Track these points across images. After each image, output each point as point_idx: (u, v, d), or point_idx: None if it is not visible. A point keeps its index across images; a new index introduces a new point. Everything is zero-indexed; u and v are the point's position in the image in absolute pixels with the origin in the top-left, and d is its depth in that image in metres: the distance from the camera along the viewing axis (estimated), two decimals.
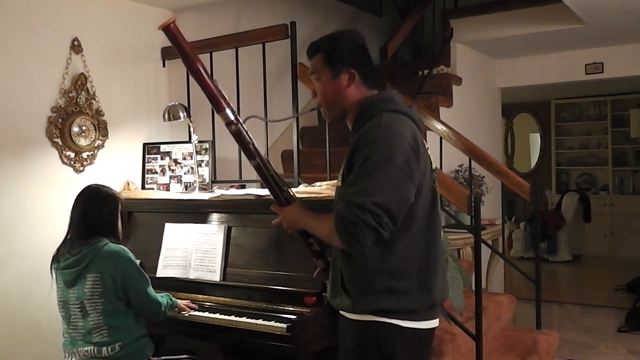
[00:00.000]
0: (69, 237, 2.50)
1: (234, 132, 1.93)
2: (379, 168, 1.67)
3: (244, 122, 1.97)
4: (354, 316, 1.81)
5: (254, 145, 1.95)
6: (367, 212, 1.63)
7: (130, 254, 2.46)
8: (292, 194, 2.02)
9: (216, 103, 1.92)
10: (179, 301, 2.67)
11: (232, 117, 1.92)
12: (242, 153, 2.02)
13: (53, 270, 2.51)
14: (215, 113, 1.98)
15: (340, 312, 1.89)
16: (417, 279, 1.77)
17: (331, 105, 1.92)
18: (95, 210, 2.48)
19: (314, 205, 2.48)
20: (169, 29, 1.88)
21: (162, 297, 2.56)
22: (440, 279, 1.85)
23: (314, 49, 1.94)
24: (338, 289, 1.85)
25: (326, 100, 1.92)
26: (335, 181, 1.92)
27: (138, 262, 2.51)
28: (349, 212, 1.65)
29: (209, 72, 1.97)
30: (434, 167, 1.90)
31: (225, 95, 1.94)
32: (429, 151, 1.88)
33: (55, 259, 2.50)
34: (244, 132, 1.94)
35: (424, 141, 1.85)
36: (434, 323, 1.86)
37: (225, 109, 1.91)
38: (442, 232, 1.93)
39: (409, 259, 1.77)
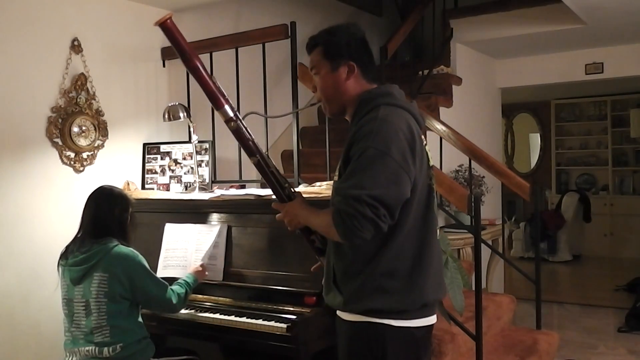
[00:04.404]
0: (79, 235, 2.51)
1: (234, 128, 1.92)
2: (374, 161, 1.64)
3: (243, 118, 1.96)
4: (347, 316, 1.81)
5: (254, 142, 1.94)
6: (364, 204, 1.60)
7: (141, 257, 2.47)
8: (293, 190, 2.00)
9: (215, 100, 1.90)
10: (191, 270, 2.73)
11: (231, 114, 1.91)
12: (242, 151, 2.00)
13: (60, 267, 2.51)
14: (215, 112, 2.00)
15: (337, 312, 1.88)
16: (408, 279, 1.74)
17: (330, 99, 1.90)
18: (107, 211, 2.50)
19: (314, 205, 2.48)
20: (166, 25, 1.86)
21: (175, 292, 2.54)
22: (433, 279, 1.81)
23: (312, 43, 1.92)
24: (331, 285, 1.84)
25: (325, 94, 1.90)
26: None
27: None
28: (345, 204, 1.63)
29: (208, 70, 1.95)
30: (431, 163, 1.87)
31: (224, 91, 1.92)
32: (426, 147, 1.85)
33: (64, 256, 2.50)
34: (244, 129, 1.93)
35: (423, 137, 1.82)
36: (429, 321, 1.83)
37: (224, 106, 1.90)
38: (438, 231, 1.90)
39: (401, 258, 1.74)
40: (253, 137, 1.94)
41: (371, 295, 1.74)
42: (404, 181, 1.67)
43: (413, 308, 1.76)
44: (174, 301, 2.51)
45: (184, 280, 2.64)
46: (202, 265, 2.79)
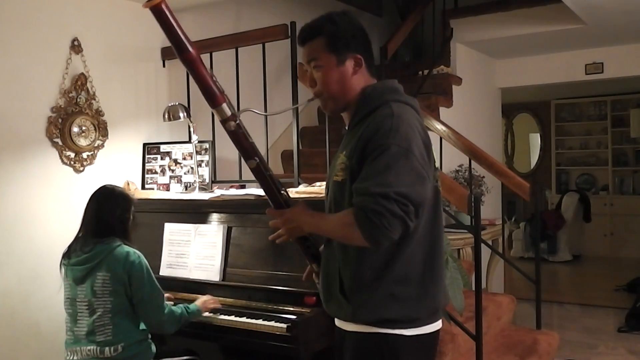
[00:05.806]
0: (81, 234, 2.51)
1: (232, 129, 1.68)
2: (398, 160, 1.54)
3: (239, 114, 1.75)
4: (353, 327, 1.69)
5: (252, 145, 1.73)
6: (392, 200, 1.50)
7: (144, 260, 2.45)
8: (289, 196, 1.83)
9: (213, 97, 1.65)
10: (201, 301, 2.63)
11: (229, 113, 1.67)
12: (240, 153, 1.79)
13: (63, 266, 2.52)
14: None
15: (336, 323, 1.78)
16: (420, 285, 1.66)
17: (336, 95, 1.74)
18: (109, 211, 2.50)
19: (314, 205, 2.48)
20: (158, 8, 1.55)
21: (169, 307, 2.49)
22: (442, 283, 1.75)
23: (311, 33, 1.74)
24: (335, 294, 1.72)
25: (330, 90, 1.74)
26: None
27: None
28: (372, 202, 1.50)
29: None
30: (436, 165, 1.80)
31: (222, 88, 1.69)
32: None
33: (66, 255, 2.51)
34: (243, 130, 1.71)
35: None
36: (437, 325, 1.75)
37: (222, 104, 1.66)
38: (443, 234, 1.81)
39: (413, 264, 1.65)
40: (252, 139, 1.75)
41: (382, 304, 1.63)
42: (425, 181, 1.60)
43: (425, 315, 1.68)
44: (165, 312, 2.45)
45: (185, 305, 2.58)
46: (212, 297, 2.71)
